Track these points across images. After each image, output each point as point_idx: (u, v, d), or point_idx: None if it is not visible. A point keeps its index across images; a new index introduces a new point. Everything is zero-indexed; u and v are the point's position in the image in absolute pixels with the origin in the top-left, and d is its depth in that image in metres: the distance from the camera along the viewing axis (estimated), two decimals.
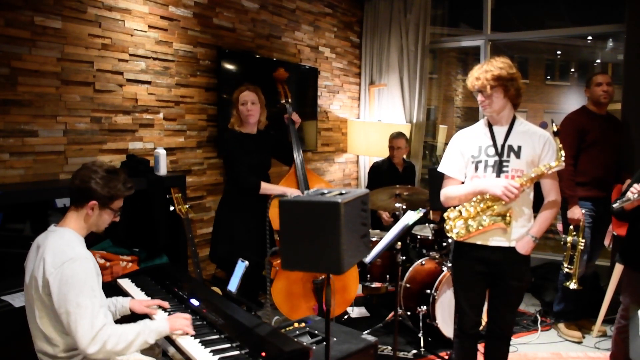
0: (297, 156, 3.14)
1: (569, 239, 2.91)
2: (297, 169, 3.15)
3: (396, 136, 4.24)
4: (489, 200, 2.19)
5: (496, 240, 2.22)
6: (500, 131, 2.25)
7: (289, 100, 3.23)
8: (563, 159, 2.13)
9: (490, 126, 2.28)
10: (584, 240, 2.98)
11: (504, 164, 2.20)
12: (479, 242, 2.24)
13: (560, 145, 2.15)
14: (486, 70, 2.17)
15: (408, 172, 4.35)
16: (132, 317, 2.13)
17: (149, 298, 2.24)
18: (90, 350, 1.60)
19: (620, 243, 2.73)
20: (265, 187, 2.99)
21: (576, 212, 3.16)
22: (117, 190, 1.82)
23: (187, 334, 1.88)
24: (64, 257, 1.66)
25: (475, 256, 2.26)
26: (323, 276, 2.92)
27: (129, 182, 1.88)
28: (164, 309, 2.13)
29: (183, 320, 1.90)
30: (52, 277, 1.64)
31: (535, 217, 2.28)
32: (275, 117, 3.35)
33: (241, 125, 3.04)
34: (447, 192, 2.33)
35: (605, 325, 3.45)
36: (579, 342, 3.34)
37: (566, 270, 2.90)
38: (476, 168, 2.26)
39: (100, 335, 1.61)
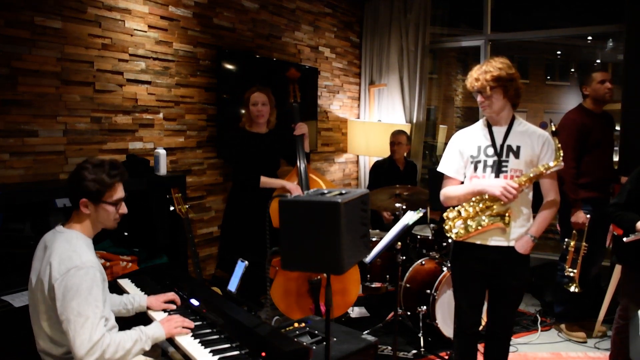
0: (300, 165, 3.11)
1: (572, 243, 2.90)
2: (299, 174, 3.12)
3: (397, 133, 4.25)
4: (488, 200, 2.19)
5: (495, 240, 2.22)
6: (499, 131, 2.25)
7: (298, 100, 3.23)
8: (562, 158, 2.13)
9: (489, 126, 2.28)
10: (586, 245, 2.96)
11: (503, 164, 2.20)
12: (478, 242, 2.25)
13: (559, 145, 2.15)
14: (485, 71, 2.17)
15: (410, 171, 4.34)
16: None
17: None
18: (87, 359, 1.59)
19: (620, 242, 2.72)
20: (265, 181, 3.02)
21: (580, 217, 3.10)
22: (102, 181, 1.74)
23: (186, 332, 1.89)
24: (70, 264, 1.65)
25: (475, 256, 2.27)
26: (319, 276, 2.92)
27: (114, 170, 1.78)
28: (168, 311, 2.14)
29: (177, 322, 1.89)
30: (57, 283, 1.63)
31: (534, 216, 2.28)
32: (283, 117, 3.35)
33: (251, 125, 3.14)
34: (446, 192, 2.34)
35: (605, 325, 3.45)
36: (584, 342, 3.33)
37: (568, 273, 2.89)
38: (475, 168, 2.26)
39: (99, 345, 1.60)
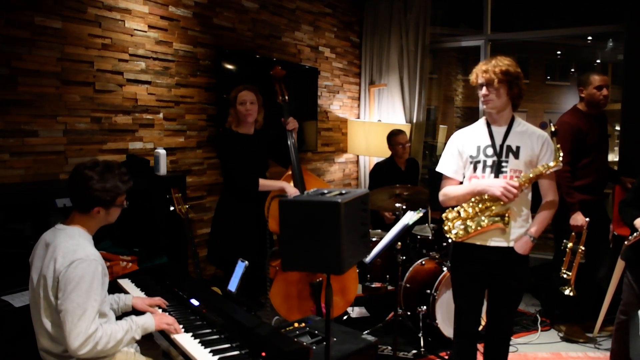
0: (294, 161, 3.09)
1: (570, 244, 2.89)
2: (293, 170, 3.10)
3: (398, 132, 4.12)
4: (488, 200, 2.19)
5: (495, 241, 2.22)
6: (499, 131, 2.25)
7: (286, 99, 3.17)
8: (561, 159, 2.12)
9: (488, 126, 2.28)
10: (583, 248, 2.94)
11: (503, 164, 2.20)
12: (477, 243, 2.24)
13: (558, 146, 2.14)
14: (495, 64, 2.16)
15: (412, 169, 4.25)
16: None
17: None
18: (81, 352, 1.63)
19: (621, 242, 2.72)
20: (264, 184, 2.94)
21: (579, 219, 3.05)
22: (117, 189, 1.82)
23: (173, 332, 1.91)
24: (74, 256, 1.68)
25: (474, 256, 2.26)
26: (320, 278, 2.91)
27: (125, 175, 1.85)
28: (163, 309, 2.13)
29: (168, 319, 1.94)
30: (62, 275, 1.66)
31: (533, 217, 2.28)
32: (273, 117, 3.33)
33: (238, 125, 3.00)
34: (445, 192, 2.33)
35: (606, 325, 3.45)
36: (584, 342, 3.33)
37: (562, 275, 2.88)
38: (475, 168, 2.26)
39: (92, 337, 1.65)
